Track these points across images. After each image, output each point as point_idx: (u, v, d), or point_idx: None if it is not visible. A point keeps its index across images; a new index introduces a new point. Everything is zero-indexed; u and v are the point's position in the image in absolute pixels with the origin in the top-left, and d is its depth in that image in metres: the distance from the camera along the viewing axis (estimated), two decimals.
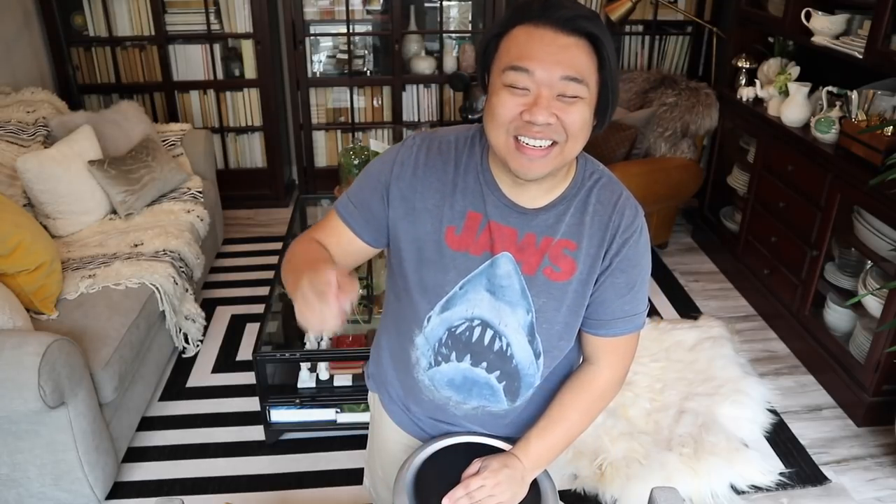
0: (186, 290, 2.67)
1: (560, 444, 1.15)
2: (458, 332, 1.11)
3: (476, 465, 1.12)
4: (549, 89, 0.93)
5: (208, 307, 3.01)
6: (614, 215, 1.07)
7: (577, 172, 1.09)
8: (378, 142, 2.57)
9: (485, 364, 1.12)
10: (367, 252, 1.16)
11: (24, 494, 1.97)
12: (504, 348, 1.11)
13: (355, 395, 2.26)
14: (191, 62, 3.76)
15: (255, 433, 2.34)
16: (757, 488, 2.17)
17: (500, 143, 0.99)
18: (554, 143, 0.97)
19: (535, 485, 1.16)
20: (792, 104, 2.83)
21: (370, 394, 1.37)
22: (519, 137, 0.96)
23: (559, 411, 1.15)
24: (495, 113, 0.97)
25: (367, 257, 1.19)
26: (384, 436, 1.34)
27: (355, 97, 4.06)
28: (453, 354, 1.12)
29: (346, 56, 3.98)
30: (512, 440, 1.19)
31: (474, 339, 1.10)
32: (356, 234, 1.13)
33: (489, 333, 1.10)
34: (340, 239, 1.14)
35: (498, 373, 1.13)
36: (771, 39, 3.27)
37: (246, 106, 3.90)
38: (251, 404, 2.44)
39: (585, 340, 1.17)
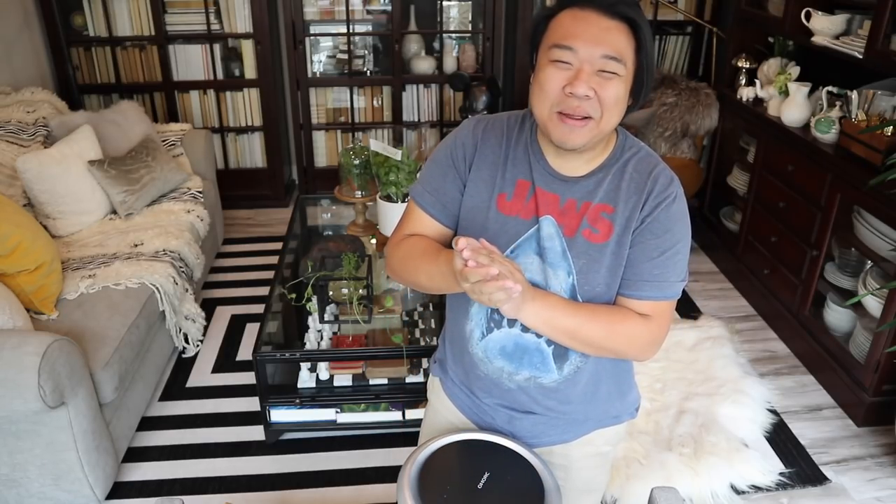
0: (186, 290, 2.67)
1: (567, 320, 1.10)
2: None
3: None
4: (590, 65, 1.03)
5: (208, 307, 3.02)
6: (649, 181, 1.13)
7: (616, 145, 1.16)
8: (378, 142, 2.56)
9: None
10: (448, 237, 1.24)
11: (24, 494, 1.97)
12: None
13: (355, 395, 2.26)
14: (191, 62, 3.76)
15: (255, 433, 2.34)
16: (757, 488, 2.17)
17: (545, 115, 1.08)
18: (590, 118, 1.05)
19: (538, 484, 1.16)
20: (792, 104, 2.83)
21: (431, 378, 1.42)
22: (561, 112, 1.06)
23: (587, 305, 1.13)
24: (543, 86, 1.07)
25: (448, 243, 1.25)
26: (440, 420, 1.37)
27: (355, 97, 4.06)
28: (504, 320, 1.18)
29: (346, 56, 3.98)
30: (530, 446, 1.23)
31: None
32: (437, 220, 1.22)
33: None
34: (424, 229, 1.23)
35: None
36: (771, 39, 3.27)
37: (246, 106, 3.90)
38: (251, 404, 2.44)
39: (618, 304, 1.16)
